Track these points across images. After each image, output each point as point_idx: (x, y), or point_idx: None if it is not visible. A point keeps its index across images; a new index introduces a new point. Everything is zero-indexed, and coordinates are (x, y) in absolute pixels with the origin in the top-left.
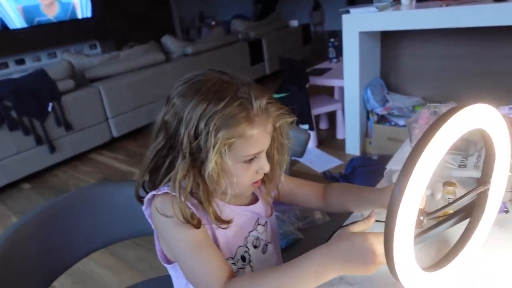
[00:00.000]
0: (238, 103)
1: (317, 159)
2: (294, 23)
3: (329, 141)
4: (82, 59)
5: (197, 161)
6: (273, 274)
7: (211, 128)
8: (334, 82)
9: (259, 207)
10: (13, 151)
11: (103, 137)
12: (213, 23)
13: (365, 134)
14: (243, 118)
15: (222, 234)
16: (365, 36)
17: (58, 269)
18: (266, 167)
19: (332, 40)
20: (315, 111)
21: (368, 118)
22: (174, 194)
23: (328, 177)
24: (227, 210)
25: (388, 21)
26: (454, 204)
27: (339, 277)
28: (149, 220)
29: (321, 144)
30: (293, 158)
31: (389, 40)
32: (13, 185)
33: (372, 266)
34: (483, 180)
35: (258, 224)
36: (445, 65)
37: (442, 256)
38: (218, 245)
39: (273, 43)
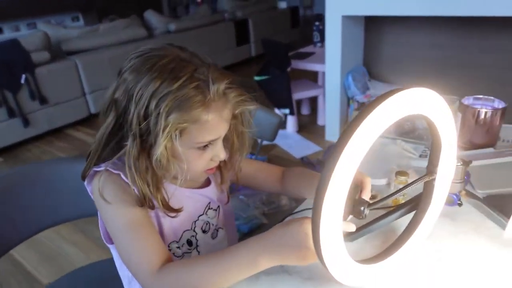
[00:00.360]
0: (195, 85)
1: (296, 145)
2: (283, 4)
3: (310, 126)
4: (59, 31)
5: (145, 143)
6: (206, 261)
7: (162, 110)
8: (316, 67)
9: (211, 191)
10: None
11: (80, 112)
12: (199, 0)
13: (345, 121)
14: (198, 102)
15: (168, 218)
16: (348, 20)
17: (13, 240)
18: (222, 155)
19: (317, 23)
20: (297, 96)
21: (348, 105)
22: (115, 172)
23: (305, 163)
24: (175, 192)
25: (372, 5)
26: (397, 194)
27: (279, 266)
28: (92, 197)
29: (301, 129)
30: (269, 142)
31: (372, 27)
32: None
33: (307, 252)
34: (429, 169)
35: (209, 209)
36: (428, 55)
37: (383, 249)
38: (162, 229)
39: (260, 24)
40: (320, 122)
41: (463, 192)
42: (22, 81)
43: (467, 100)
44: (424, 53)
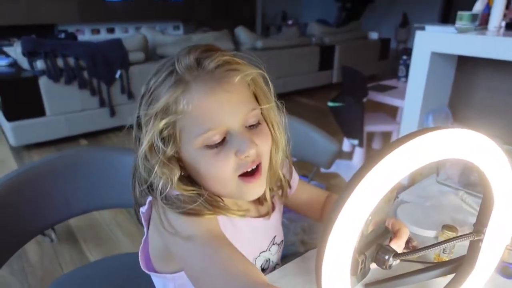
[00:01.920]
0: (169, 71)
1: None
2: (374, 35)
3: None
4: (157, 36)
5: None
6: None
7: (143, 104)
8: (395, 102)
9: (277, 220)
10: (78, 108)
11: None
12: (290, 22)
13: None
14: (172, 86)
15: None
16: (438, 58)
17: (51, 220)
18: (246, 146)
19: (404, 57)
20: (369, 128)
21: None
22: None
23: None
24: (240, 224)
25: (466, 45)
26: (430, 249)
27: None
28: (144, 224)
29: None
30: (326, 170)
31: (465, 67)
32: (72, 139)
33: None
34: (477, 228)
35: (274, 244)
36: None
37: None
38: None
39: (347, 52)
40: None
41: None
42: (117, 76)
43: None
44: None
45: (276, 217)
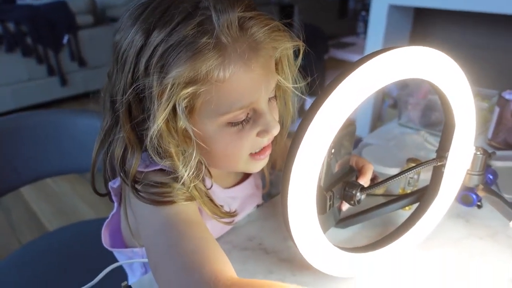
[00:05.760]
0: (196, 23)
1: None
2: None
3: None
4: None
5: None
6: None
7: (153, 67)
8: (355, 58)
9: (255, 183)
10: (24, 77)
11: None
12: None
13: (377, 117)
14: (205, 49)
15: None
16: (395, 10)
17: (14, 183)
18: (273, 126)
19: (363, 13)
20: None
21: (383, 100)
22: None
23: None
24: (220, 195)
25: None
26: (392, 180)
27: (257, 243)
28: (114, 198)
29: None
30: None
31: (421, 21)
32: (21, 112)
33: None
34: (439, 153)
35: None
36: (479, 56)
37: (374, 241)
38: None
39: (306, 11)
40: (351, 115)
41: (480, 186)
42: (65, 41)
43: (509, 95)
44: (475, 54)
45: (253, 181)
